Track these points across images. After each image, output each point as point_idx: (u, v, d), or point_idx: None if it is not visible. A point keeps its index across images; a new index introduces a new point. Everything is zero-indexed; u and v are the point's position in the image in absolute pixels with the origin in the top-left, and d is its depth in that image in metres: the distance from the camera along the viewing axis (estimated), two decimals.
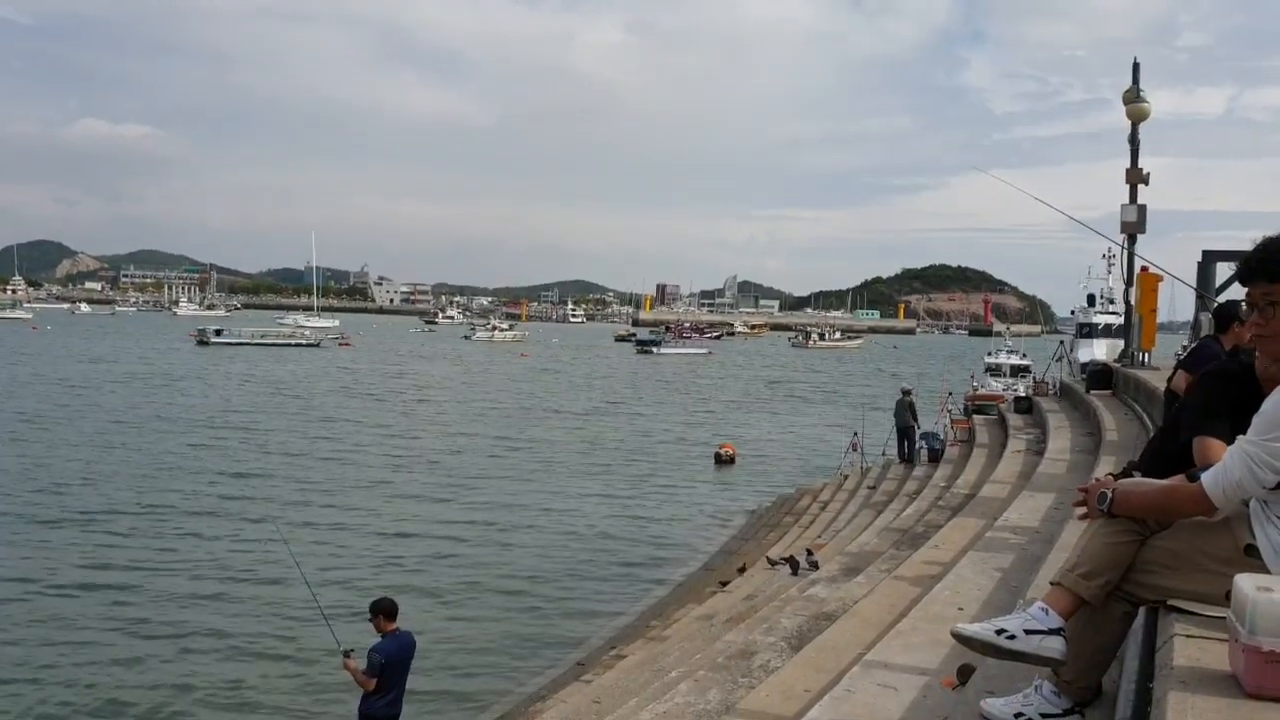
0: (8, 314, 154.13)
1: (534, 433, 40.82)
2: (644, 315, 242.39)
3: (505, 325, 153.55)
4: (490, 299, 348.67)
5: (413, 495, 26.98)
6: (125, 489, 26.04)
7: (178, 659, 14.35)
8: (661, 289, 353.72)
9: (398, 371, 75.41)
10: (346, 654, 9.17)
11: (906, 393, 26.18)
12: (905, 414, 25.29)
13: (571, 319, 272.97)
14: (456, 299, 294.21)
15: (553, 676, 14.35)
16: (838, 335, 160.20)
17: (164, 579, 18.10)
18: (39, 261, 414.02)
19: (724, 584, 16.82)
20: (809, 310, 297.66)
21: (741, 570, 17.38)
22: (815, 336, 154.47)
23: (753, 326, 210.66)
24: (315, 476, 28.91)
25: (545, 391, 62.06)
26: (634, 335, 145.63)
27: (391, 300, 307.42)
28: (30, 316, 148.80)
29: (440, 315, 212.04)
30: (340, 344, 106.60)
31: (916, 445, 25.16)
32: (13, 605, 16.36)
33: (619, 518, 25.13)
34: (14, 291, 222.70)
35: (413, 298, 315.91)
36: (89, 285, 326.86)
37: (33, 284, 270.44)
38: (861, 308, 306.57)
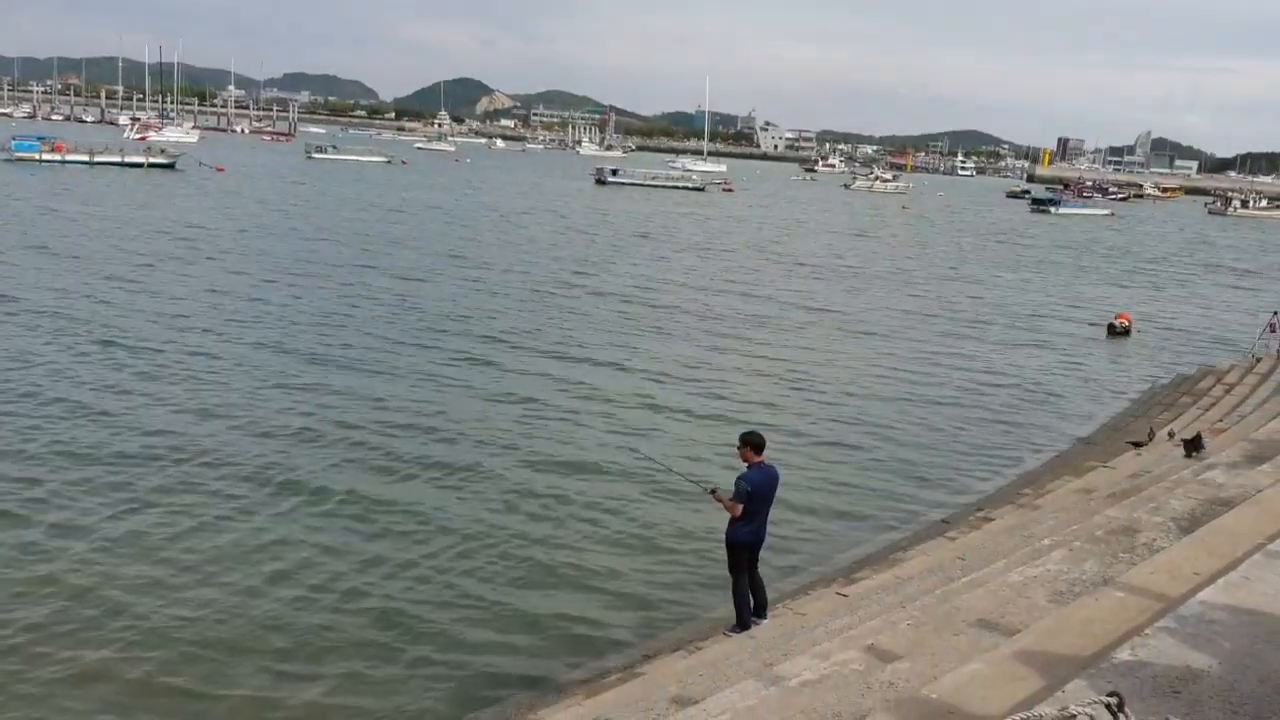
0: (435, 146, 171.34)
1: (914, 291, 40.01)
2: (1041, 171, 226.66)
3: (888, 176, 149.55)
4: (875, 148, 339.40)
5: (773, 342, 27.38)
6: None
7: (546, 523, 13.80)
8: (1063, 143, 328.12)
9: (773, 219, 76.07)
10: (713, 490, 9.80)
11: None
12: None
13: (960, 172, 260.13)
14: (840, 147, 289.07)
15: (915, 530, 14.47)
16: (1264, 203, 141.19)
17: (511, 438, 17.01)
18: (461, 99, 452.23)
19: (1107, 461, 16.03)
20: (1232, 174, 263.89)
21: (1145, 440, 16.41)
22: (1236, 203, 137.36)
23: (1164, 189, 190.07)
24: (664, 325, 28.39)
25: (927, 249, 60.27)
26: (1028, 192, 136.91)
27: (776, 146, 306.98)
28: (454, 149, 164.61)
29: (821, 163, 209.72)
30: (724, 189, 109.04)
31: None
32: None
33: (996, 383, 24.30)
34: (440, 126, 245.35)
35: (797, 144, 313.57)
36: (504, 122, 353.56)
37: (456, 119, 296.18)
38: None
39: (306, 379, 19.91)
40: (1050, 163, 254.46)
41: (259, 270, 32.82)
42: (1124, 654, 4.48)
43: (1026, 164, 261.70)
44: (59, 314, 24.04)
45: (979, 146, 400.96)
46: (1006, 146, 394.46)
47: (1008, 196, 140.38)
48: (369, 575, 11.74)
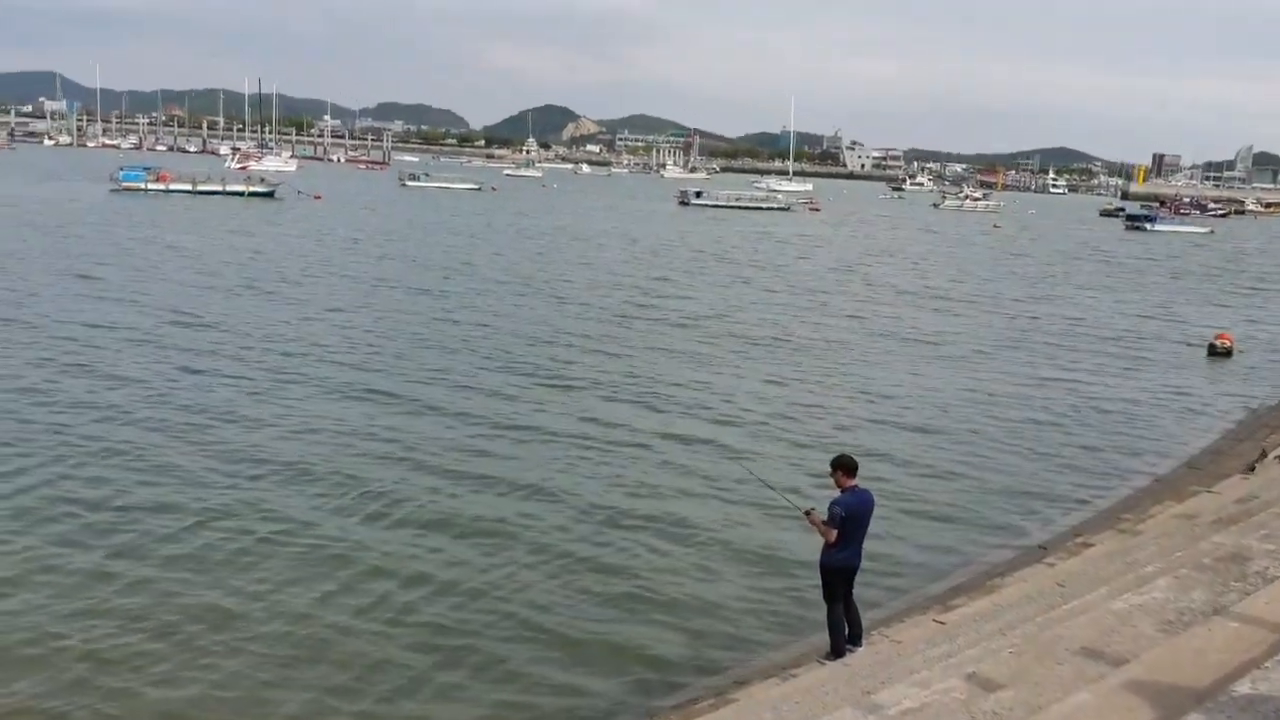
0: (523, 172, 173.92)
1: (1004, 312, 39.31)
2: (1135, 188, 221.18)
3: (978, 194, 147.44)
4: (964, 166, 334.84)
5: (860, 367, 27.17)
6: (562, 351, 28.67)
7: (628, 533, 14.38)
8: (1158, 160, 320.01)
9: (859, 239, 75.44)
10: (808, 512, 9.72)
11: None
12: None
13: (1052, 189, 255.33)
14: (928, 165, 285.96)
15: (1012, 555, 14.16)
16: None
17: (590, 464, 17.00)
18: (548, 125, 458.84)
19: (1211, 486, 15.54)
20: None
21: (1252, 469, 15.88)
22: None
23: (1267, 205, 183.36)
24: (746, 349, 28.25)
25: (1018, 269, 59.16)
26: (1123, 210, 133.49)
27: (863, 165, 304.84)
28: (541, 175, 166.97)
29: (909, 182, 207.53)
30: (810, 209, 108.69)
31: None
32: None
33: (1091, 405, 23.64)
34: (528, 152, 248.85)
35: (884, 163, 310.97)
36: (589, 148, 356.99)
37: (543, 145, 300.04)
38: None
39: (384, 402, 20.27)
40: (1145, 179, 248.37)
41: (349, 297, 33.62)
42: (1243, 687, 4.36)
43: (1120, 181, 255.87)
44: (155, 339, 24.98)
45: (1071, 164, 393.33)
46: (1099, 164, 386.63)
47: (1101, 214, 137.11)
48: (445, 599, 11.85)
